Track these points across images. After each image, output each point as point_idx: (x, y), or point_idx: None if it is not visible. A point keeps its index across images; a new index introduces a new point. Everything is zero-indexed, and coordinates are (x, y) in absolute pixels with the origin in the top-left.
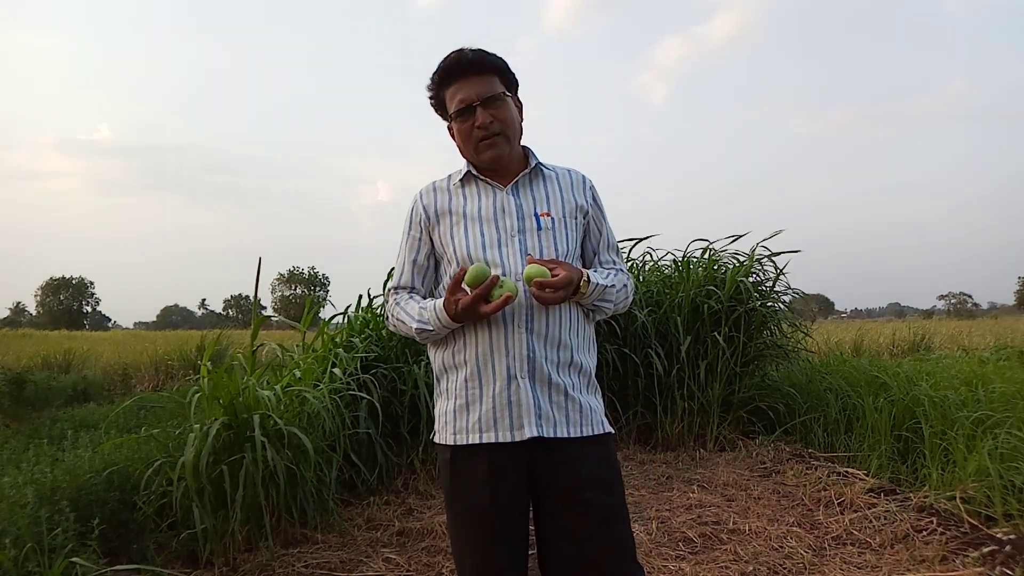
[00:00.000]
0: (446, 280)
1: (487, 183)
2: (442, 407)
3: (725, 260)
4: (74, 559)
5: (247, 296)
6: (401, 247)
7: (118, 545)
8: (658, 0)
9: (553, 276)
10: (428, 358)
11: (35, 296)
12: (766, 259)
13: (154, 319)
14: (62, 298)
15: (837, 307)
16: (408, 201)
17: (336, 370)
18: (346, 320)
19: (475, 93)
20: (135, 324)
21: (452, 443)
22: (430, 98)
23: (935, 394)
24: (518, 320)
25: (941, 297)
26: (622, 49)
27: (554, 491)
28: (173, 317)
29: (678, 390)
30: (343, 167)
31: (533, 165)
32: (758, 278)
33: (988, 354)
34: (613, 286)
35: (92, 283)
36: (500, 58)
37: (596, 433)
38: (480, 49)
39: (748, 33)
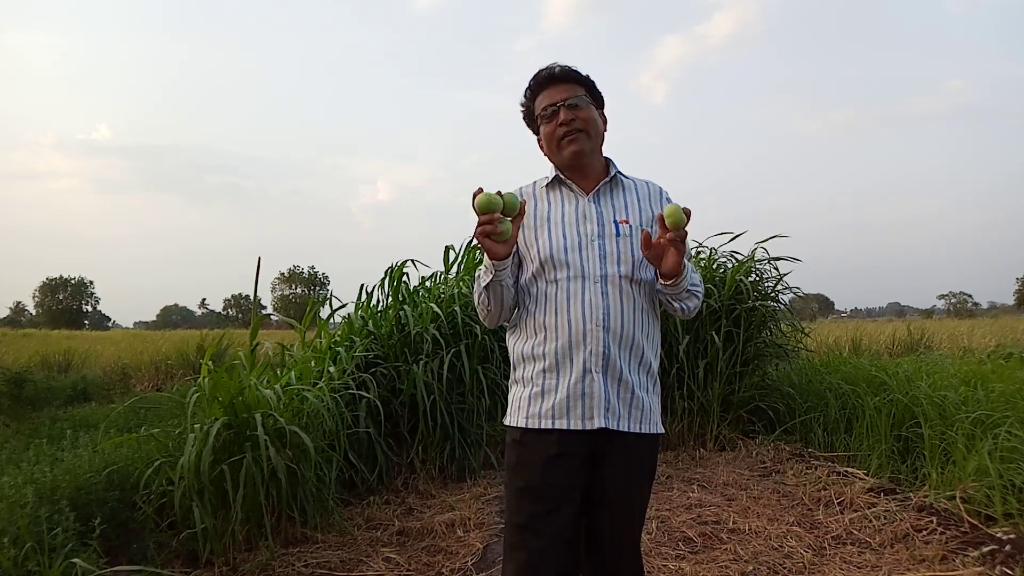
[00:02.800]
0: (526, 276)
1: (571, 190)
2: (516, 393)
3: (723, 260)
4: (74, 559)
5: (247, 296)
6: None
7: (118, 545)
8: (657, 0)
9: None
10: (427, 356)
11: (33, 297)
12: (766, 262)
13: (154, 319)
14: (61, 298)
15: (837, 306)
16: (409, 200)
17: (334, 369)
18: (344, 318)
19: (560, 97)
20: (135, 324)
21: (524, 426)
22: (523, 112)
23: (934, 394)
24: (596, 319)
25: (941, 297)
26: (622, 49)
27: (604, 479)
28: (173, 317)
29: (678, 390)
30: (343, 167)
31: (613, 174)
32: (757, 277)
33: (986, 354)
34: (696, 274)
35: (92, 283)
36: (587, 76)
37: (653, 432)
38: (571, 67)
39: (747, 33)
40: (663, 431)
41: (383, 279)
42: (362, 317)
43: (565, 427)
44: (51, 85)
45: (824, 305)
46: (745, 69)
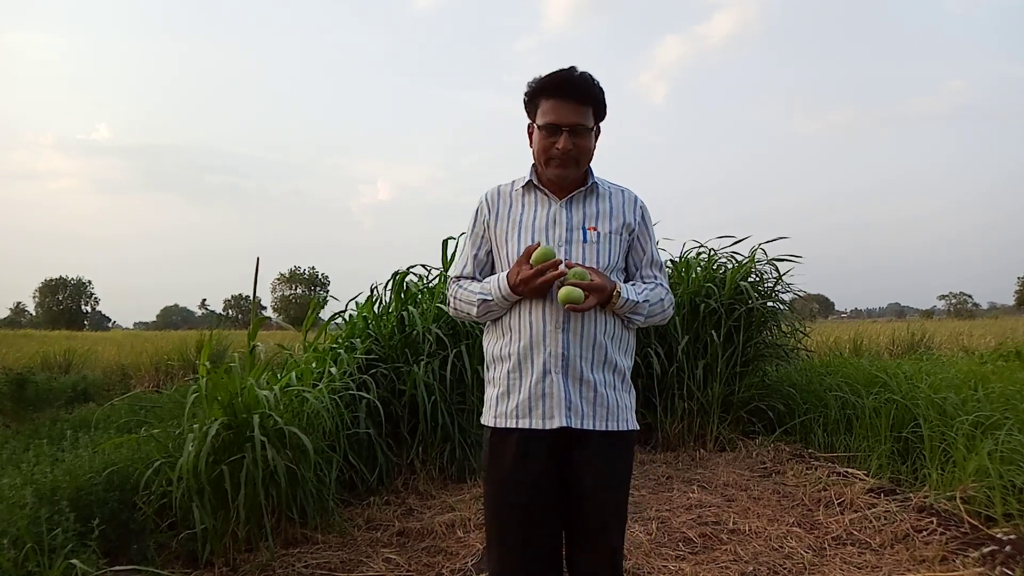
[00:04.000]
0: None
1: (545, 194)
2: (488, 393)
3: (723, 260)
4: (74, 560)
5: (247, 296)
6: (465, 242)
7: (118, 545)
8: (657, 0)
9: (587, 287)
10: (428, 356)
11: (33, 297)
12: (766, 263)
13: (154, 319)
14: (60, 298)
15: (837, 307)
16: (409, 200)
17: (334, 369)
18: (346, 321)
19: (568, 120)
20: (135, 324)
21: (492, 425)
22: (527, 94)
23: (935, 395)
24: (555, 320)
25: (941, 297)
26: (621, 49)
27: (575, 478)
28: (173, 317)
29: (677, 390)
30: (343, 167)
31: (590, 183)
32: (757, 278)
33: (986, 355)
34: (647, 301)
35: (91, 283)
36: (601, 91)
37: (621, 430)
38: (589, 79)
39: (748, 33)
40: (636, 428)
41: (387, 282)
42: (364, 318)
43: (527, 426)
44: (50, 85)
45: (824, 306)
46: (745, 69)
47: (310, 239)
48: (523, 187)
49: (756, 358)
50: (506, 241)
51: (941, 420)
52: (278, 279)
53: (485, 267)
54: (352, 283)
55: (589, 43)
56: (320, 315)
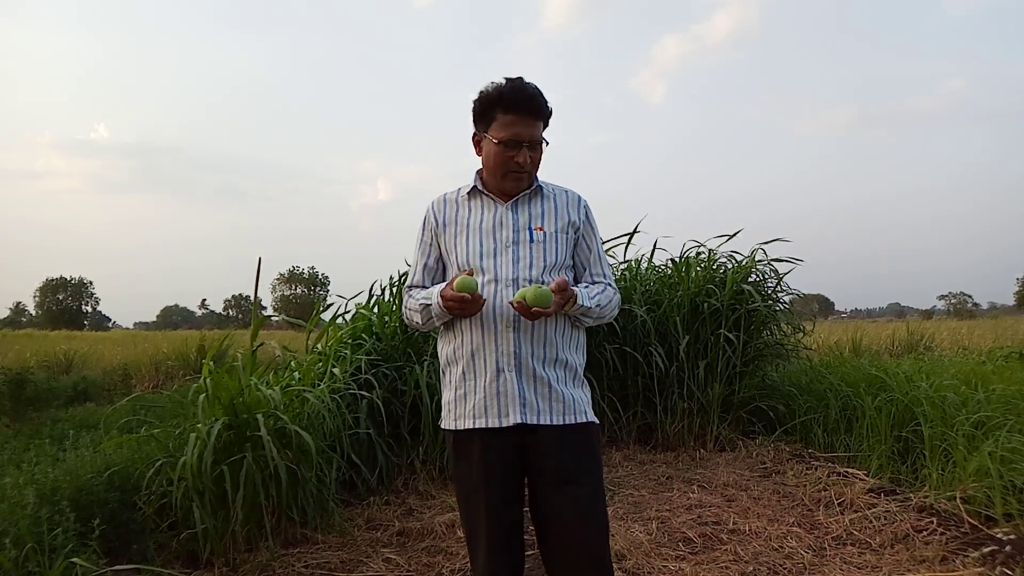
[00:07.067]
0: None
1: (490, 198)
2: (445, 396)
3: (723, 260)
4: (74, 559)
5: (247, 296)
6: (415, 251)
7: (118, 545)
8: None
9: (555, 296)
10: (431, 356)
11: (33, 297)
12: (765, 264)
13: (154, 319)
14: (61, 298)
15: (837, 307)
16: (410, 201)
17: (336, 369)
18: (348, 322)
19: (528, 135)
20: (135, 324)
21: (454, 428)
22: (480, 104)
23: (935, 394)
24: (505, 320)
25: (941, 297)
26: (621, 48)
27: (541, 472)
28: (173, 317)
29: (678, 390)
30: (343, 167)
31: (535, 186)
32: (758, 278)
33: (985, 356)
34: (599, 304)
35: (91, 283)
36: (550, 105)
37: (579, 422)
38: (543, 95)
39: (748, 32)
40: (595, 420)
41: (391, 284)
42: (369, 319)
43: (484, 425)
44: (49, 84)
45: (824, 306)
46: (745, 69)
47: (310, 239)
48: (468, 193)
49: (756, 358)
50: (455, 245)
51: (941, 420)
52: (278, 279)
53: (436, 273)
54: (352, 283)
55: (588, 41)
56: (321, 316)
